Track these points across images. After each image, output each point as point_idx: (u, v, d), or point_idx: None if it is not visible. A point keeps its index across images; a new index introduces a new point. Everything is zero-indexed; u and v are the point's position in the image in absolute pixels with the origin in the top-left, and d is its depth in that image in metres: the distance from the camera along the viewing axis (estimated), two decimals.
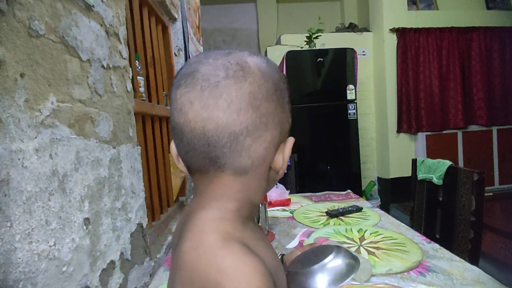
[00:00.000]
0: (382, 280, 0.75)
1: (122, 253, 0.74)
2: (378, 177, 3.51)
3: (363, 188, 3.24)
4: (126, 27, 0.99)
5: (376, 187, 3.48)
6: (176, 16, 1.58)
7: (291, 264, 0.48)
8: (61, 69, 0.57)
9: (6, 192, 0.41)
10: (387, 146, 3.31)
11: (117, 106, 0.78)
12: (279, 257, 0.56)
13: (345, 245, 0.96)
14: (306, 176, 2.70)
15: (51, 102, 0.53)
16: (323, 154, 2.80)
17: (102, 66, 0.72)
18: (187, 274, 0.29)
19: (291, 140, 0.37)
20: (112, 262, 0.69)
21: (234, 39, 4.20)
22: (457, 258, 0.84)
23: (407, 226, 1.10)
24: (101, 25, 0.72)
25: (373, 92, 3.53)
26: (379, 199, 3.41)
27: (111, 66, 0.76)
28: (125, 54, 0.86)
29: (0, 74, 0.42)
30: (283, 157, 0.36)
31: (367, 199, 3.28)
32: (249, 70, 0.33)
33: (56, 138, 0.53)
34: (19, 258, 0.42)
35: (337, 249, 0.45)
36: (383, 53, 3.30)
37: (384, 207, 3.31)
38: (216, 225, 0.32)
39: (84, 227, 0.59)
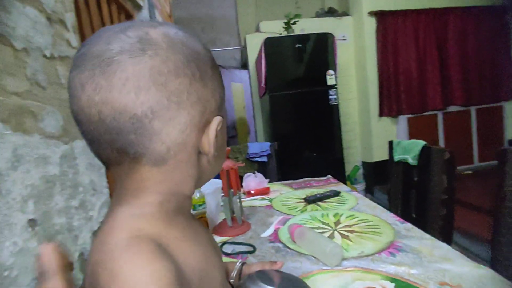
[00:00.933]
0: (353, 263, 0.74)
1: (82, 254, 0.71)
2: (362, 161, 3.54)
3: (347, 173, 3.27)
4: (80, 14, 0.93)
5: (361, 171, 3.52)
6: (142, 4, 1.51)
7: (250, 275, 0.45)
8: None
9: None
10: (369, 130, 3.34)
11: (67, 99, 0.73)
12: (239, 265, 0.53)
13: (320, 230, 0.95)
14: (288, 164, 2.69)
15: None
16: (305, 141, 2.79)
17: (44, 55, 0.66)
18: (88, 275, 0.26)
19: (216, 120, 0.32)
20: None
21: (213, 28, 4.10)
22: (427, 236, 0.84)
23: (382, 208, 1.10)
24: (41, 11, 0.67)
25: (355, 77, 3.53)
26: (364, 183, 3.45)
27: (56, 55, 0.70)
28: (75, 43, 0.80)
29: None
30: (208, 139, 0.32)
31: (352, 184, 3.31)
32: (150, 42, 0.28)
33: None
34: None
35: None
36: (363, 37, 3.29)
37: (369, 190, 3.36)
38: (128, 222, 0.28)
39: (30, 229, 0.55)
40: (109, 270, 0.24)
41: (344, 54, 3.39)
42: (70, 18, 0.78)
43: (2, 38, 0.55)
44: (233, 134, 3.87)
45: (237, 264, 0.53)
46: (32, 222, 0.56)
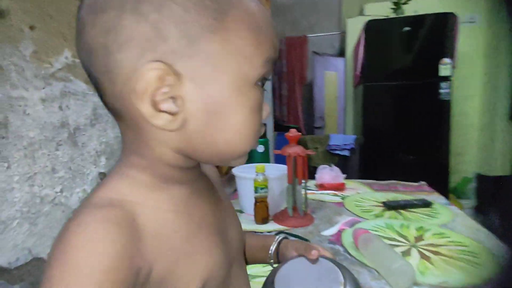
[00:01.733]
0: None
1: None
2: (477, 174, 2.89)
3: (452, 185, 2.73)
4: None
5: (473, 185, 2.89)
6: None
7: (283, 265, 0.39)
8: None
9: (4, 135, 0.45)
10: (493, 136, 2.68)
11: None
12: (280, 238, 0.48)
13: (393, 243, 0.80)
14: (375, 163, 2.38)
15: (65, 57, 0.55)
16: (400, 140, 2.42)
17: None
18: None
19: (148, 66, 0.23)
20: None
21: (314, 12, 3.94)
22: None
23: (489, 233, 0.85)
24: None
25: (481, 69, 2.85)
26: (476, 200, 2.83)
27: None
28: None
29: (3, 24, 0.45)
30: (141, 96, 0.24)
31: (458, 198, 2.75)
32: None
33: (69, 92, 0.55)
34: (16, 198, 0.46)
35: (349, 279, 0.34)
36: (499, 19, 2.60)
37: (482, 210, 2.73)
38: (113, 182, 0.27)
39: (99, 181, 0.62)
40: (64, 227, 0.23)
41: (470, 40, 2.76)
42: None
43: None
44: (320, 125, 3.72)
45: (277, 237, 0.47)
46: (102, 175, 0.63)
